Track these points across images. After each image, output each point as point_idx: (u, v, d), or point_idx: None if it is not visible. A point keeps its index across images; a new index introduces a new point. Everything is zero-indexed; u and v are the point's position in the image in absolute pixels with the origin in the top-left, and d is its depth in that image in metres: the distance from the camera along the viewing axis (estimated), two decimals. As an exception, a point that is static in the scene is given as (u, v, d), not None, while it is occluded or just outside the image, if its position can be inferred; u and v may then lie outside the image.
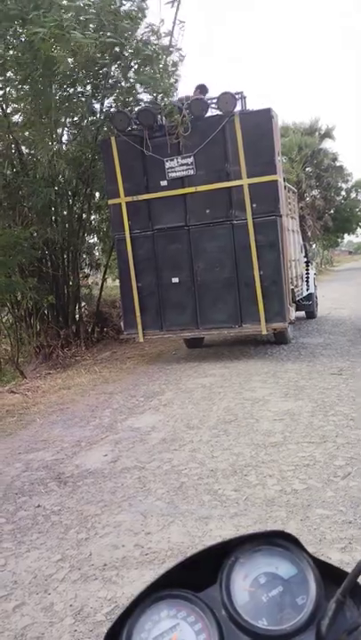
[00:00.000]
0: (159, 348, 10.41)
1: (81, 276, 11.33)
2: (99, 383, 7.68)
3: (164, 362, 8.91)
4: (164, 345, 10.51)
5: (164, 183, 8.30)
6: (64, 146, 9.98)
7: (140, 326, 8.61)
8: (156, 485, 3.93)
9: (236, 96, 8.13)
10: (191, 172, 8.18)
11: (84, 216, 10.71)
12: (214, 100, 8.18)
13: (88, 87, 9.34)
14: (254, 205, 7.94)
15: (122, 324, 8.99)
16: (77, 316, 10.91)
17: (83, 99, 9.29)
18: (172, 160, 8.26)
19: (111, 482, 4.08)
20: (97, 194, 10.81)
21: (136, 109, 8.70)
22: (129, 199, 8.47)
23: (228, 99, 8.07)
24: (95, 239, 12.21)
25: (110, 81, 9.29)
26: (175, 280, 8.46)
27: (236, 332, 8.47)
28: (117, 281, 9.93)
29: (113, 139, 8.53)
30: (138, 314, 8.62)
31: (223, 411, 5.53)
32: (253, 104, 9.69)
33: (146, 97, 9.08)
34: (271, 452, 4.29)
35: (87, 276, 12.27)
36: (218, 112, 8.15)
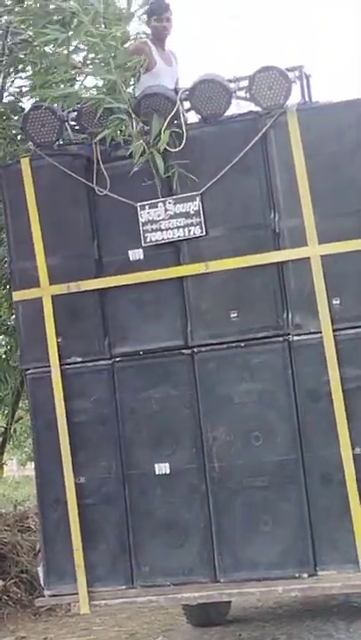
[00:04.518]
0: (127, 626, 6.04)
1: None
2: None
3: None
4: (138, 619, 6.17)
5: (136, 256, 4.97)
6: None
7: (82, 578, 4.84)
8: None
9: (290, 75, 4.56)
10: (197, 230, 4.85)
11: None
12: (242, 83, 4.66)
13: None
14: (337, 302, 4.72)
15: (40, 571, 5.22)
16: None
17: None
18: (154, 207, 4.89)
19: None
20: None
21: (76, 104, 5.10)
22: (60, 289, 5.09)
23: (272, 80, 4.53)
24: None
25: (16, 39, 5.76)
26: (162, 468, 4.92)
27: (306, 589, 4.76)
28: (31, 468, 7.20)
29: (26, 162, 5.07)
30: (78, 548, 4.87)
31: None
32: (320, 91, 4.91)
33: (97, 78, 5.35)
34: None
35: None
36: (251, 107, 4.68)
